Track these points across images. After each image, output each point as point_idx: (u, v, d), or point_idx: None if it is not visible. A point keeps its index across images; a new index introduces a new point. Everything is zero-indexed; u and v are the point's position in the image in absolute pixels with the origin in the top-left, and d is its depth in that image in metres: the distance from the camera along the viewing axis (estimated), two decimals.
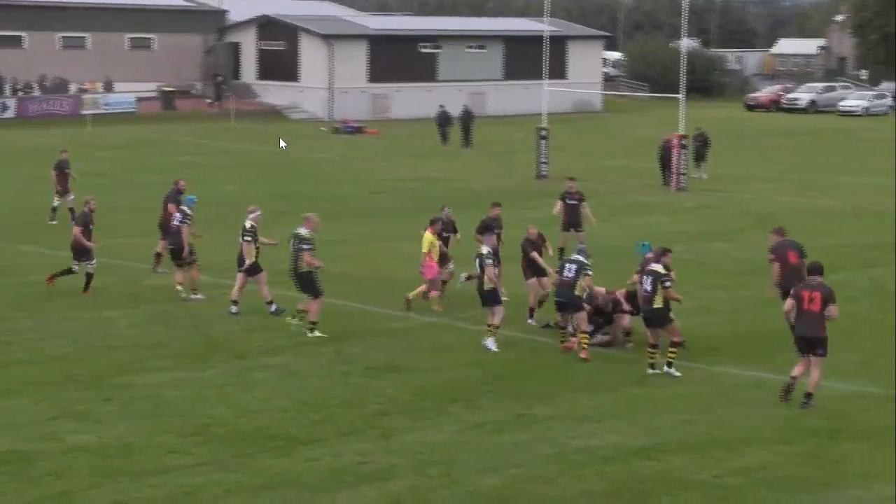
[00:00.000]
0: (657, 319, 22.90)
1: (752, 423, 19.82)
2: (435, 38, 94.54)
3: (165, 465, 17.93)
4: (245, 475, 17.42)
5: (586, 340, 24.12)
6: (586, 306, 24.59)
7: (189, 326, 26.69)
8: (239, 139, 71.93)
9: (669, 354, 22.77)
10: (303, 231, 25.95)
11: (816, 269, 20.86)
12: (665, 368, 22.78)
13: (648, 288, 22.93)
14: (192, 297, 29.20)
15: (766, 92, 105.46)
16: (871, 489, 16.87)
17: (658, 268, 22.96)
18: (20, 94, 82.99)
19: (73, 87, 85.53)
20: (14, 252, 35.67)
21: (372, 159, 62.76)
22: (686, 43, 56.15)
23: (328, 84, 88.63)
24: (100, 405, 20.96)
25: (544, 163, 54.17)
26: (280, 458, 18.29)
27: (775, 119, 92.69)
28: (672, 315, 23.34)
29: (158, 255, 32.07)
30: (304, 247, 25.71)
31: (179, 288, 29.54)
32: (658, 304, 22.68)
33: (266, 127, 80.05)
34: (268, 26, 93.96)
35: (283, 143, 61.36)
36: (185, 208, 30.08)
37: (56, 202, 40.27)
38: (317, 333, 25.43)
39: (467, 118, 70.80)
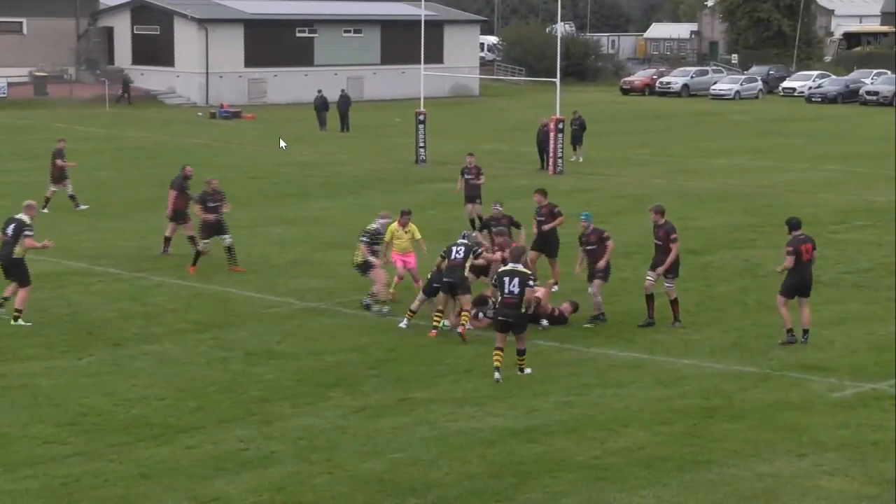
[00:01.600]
0: (523, 324, 22.16)
1: (629, 404, 19.99)
2: (311, 23, 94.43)
3: (41, 456, 17.57)
4: (123, 465, 17.19)
5: (466, 318, 24.24)
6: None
7: (65, 315, 26.29)
8: (113, 125, 71.72)
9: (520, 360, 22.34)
10: (24, 217, 25.45)
11: (798, 223, 23.89)
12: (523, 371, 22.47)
13: (516, 290, 22.13)
14: None
15: (639, 76, 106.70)
16: (748, 467, 17.12)
17: (520, 267, 22.54)
18: None
19: None
20: None
21: (249, 144, 62.74)
22: (561, 28, 56.42)
23: (204, 69, 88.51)
24: None
25: (422, 147, 54.28)
26: (159, 446, 18.00)
27: (649, 102, 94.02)
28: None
29: (168, 240, 32.07)
30: (28, 233, 25.17)
31: None
32: (523, 308, 22.12)
33: (141, 112, 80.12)
34: (142, 10, 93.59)
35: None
36: None
37: (50, 190, 39.47)
38: (21, 322, 24.89)
39: (345, 103, 71.11)
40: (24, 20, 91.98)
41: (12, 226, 25.31)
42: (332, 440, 18.25)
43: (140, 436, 18.57)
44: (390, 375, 21.93)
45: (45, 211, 37.65)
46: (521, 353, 21.90)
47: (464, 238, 25.72)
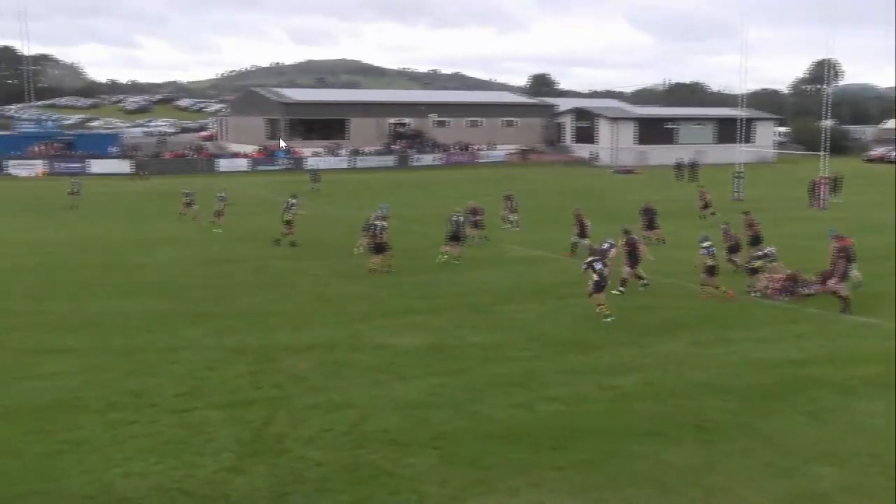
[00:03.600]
0: None
1: None
2: (676, 120, 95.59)
3: None
4: None
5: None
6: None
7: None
8: (560, 175, 72.74)
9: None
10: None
11: None
12: None
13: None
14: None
15: (877, 151, 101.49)
16: None
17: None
18: (445, 152, 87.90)
19: (472, 148, 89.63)
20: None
21: (636, 189, 60.10)
22: (827, 122, 56.67)
23: (612, 145, 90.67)
24: None
25: (738, 191, 53.19)
26: None
27: (883, 167, 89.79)
28: None
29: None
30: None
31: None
32: None
33: (574, 169, 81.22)
34: (580, 113, 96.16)
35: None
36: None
37: (573, 239, 29.91)
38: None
39: (694, 165, 71.54)
40: (517, 119, 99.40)
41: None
42: None
43: None
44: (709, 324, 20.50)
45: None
46: None
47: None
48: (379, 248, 27.07)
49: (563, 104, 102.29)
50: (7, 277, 26.88)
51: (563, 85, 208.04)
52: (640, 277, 24.40)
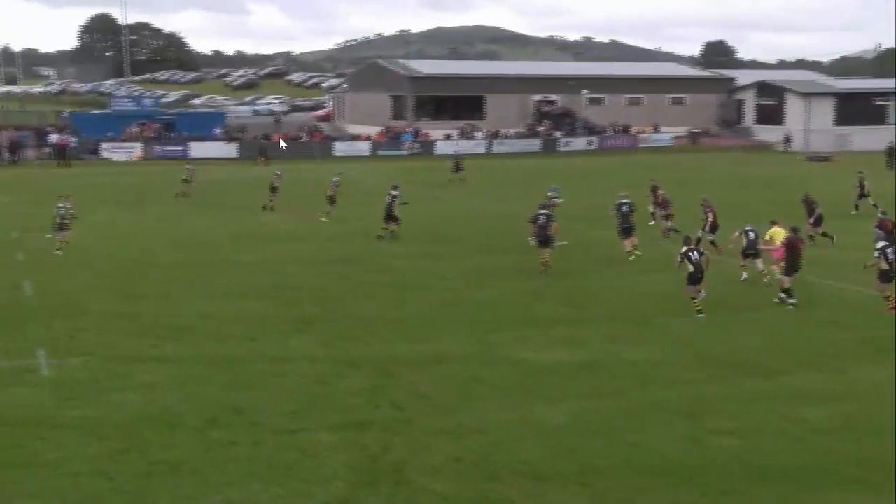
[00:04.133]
0: None
1: None
2: (888, 95, 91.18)
3: None
4: None
5: None
6: None
7: None
8: (737, 163, 70.57)
9: None
10: None
11: None
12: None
13: None
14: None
15: None
16: None
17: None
18: (599, 135, 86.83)
19: (632, 130, 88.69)
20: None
21: (832, 179, 56.60)
22: None
23: (804, 126, 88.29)
24: None
25: None
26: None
27: None
28: None
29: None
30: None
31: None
32: None
33: (756, 156, 79.37)
34: (763, 87, 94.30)
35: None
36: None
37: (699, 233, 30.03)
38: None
39: None
40: (686, 96, 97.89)
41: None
42: None
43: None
44: None
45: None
46: None
47: None
48: (544, 241, 28.19)
49: (744, 77, 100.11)
50: (97, 275, 27.99)
51: (743, 54, 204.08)
52: (789, 296, 23.96)
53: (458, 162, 58.00)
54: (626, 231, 30.73)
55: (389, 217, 34.96)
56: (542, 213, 28.73)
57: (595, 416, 15.61)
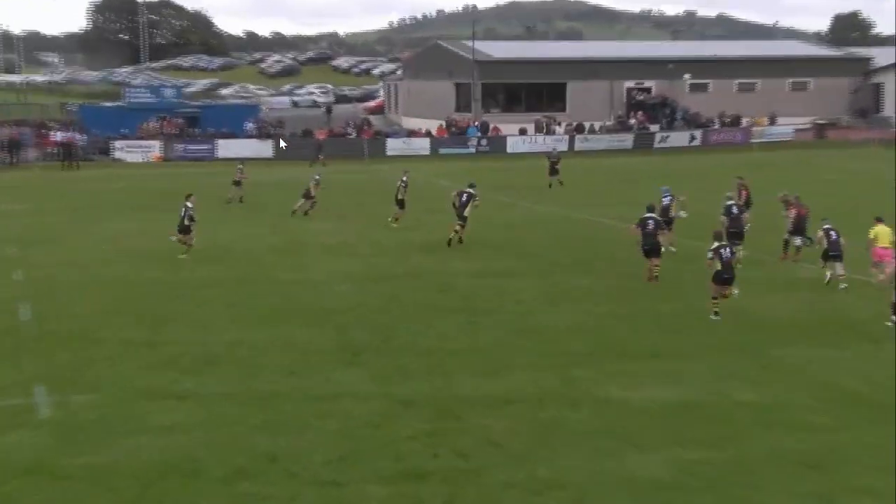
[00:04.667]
0: None
1: None
2: None
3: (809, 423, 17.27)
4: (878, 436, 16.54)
5: None
6: None
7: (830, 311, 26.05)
8: (872, 159, 69.74)
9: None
10: None
11: None
12: None
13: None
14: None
15: None
16: None
17: None
18: (704, 128, 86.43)
19: (744, 122, 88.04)
20: None
21: None
22: None
23: None
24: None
25: None
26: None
27: None
28: None
29: None
30: None
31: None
32: None
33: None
34: None
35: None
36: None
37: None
38: None
39: None
40: (810, 80, 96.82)
41: None
42: None
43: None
44: None
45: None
46: None
47: None
48: (653, 250, 29.22)
49: (883, 57, 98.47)
50: (110, 297, 28.31)
51: (882, 28, 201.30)
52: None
53: (554, 162, 57.58)
54: (736, 236, 30.72)
55: (461, 217, 35.59)
56: (650, 218, 29.20)
57: (700, 469, 15.41)
